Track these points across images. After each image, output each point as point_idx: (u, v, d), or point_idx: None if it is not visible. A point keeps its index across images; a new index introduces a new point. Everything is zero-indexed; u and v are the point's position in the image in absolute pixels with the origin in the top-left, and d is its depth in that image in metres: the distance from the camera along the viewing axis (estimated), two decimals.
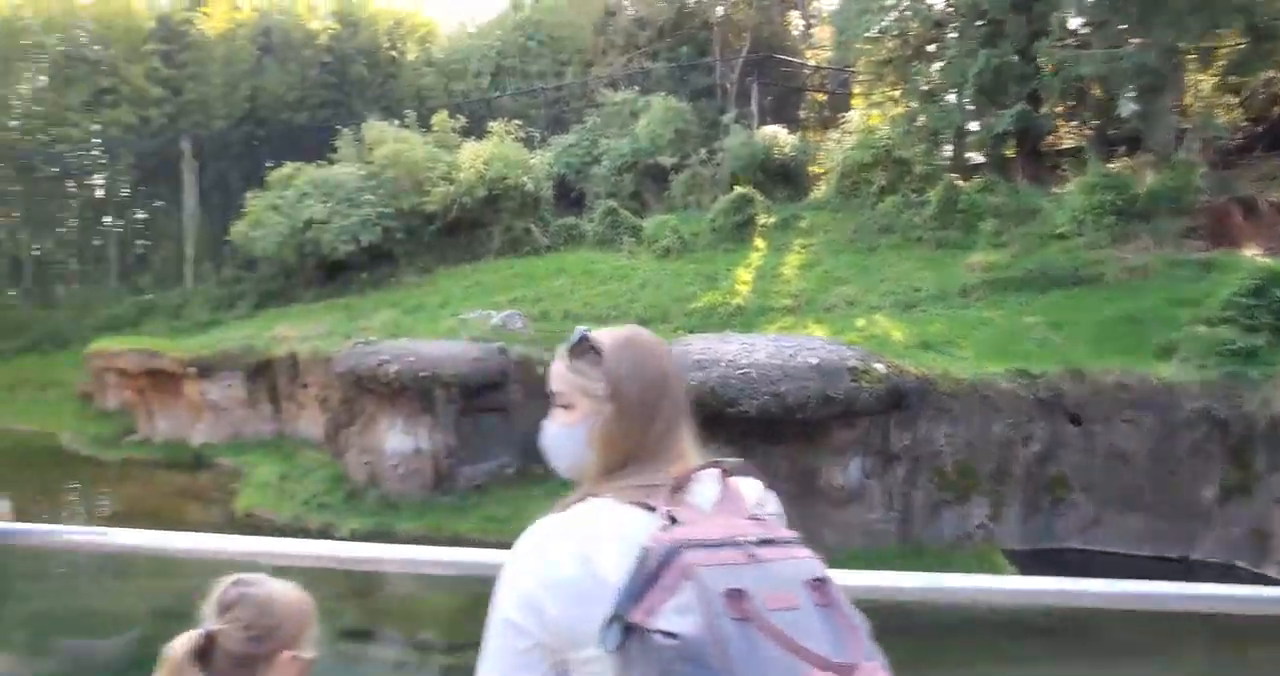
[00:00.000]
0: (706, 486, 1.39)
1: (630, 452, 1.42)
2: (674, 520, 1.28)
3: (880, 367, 10.08)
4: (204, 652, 1.53)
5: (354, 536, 11.68)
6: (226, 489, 14.40)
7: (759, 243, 17.71)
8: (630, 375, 1.43)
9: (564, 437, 1.48)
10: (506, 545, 1.39)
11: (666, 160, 20.24)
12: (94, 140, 27.58)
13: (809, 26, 26.09)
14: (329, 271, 20.96)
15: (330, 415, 14.69)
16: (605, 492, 1.40)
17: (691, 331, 13.53)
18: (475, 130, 22.08)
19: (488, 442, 13.24)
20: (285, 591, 1.63)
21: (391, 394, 12.98)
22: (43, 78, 28.38)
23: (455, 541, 11.72)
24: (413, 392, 12.88)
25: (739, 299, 15.18)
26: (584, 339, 1.47)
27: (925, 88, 18.06)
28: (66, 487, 15.94)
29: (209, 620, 1.56)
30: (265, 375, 16.43)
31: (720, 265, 16.80)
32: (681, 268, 16.92)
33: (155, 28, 26.92)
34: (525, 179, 20.24)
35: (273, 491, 13.62)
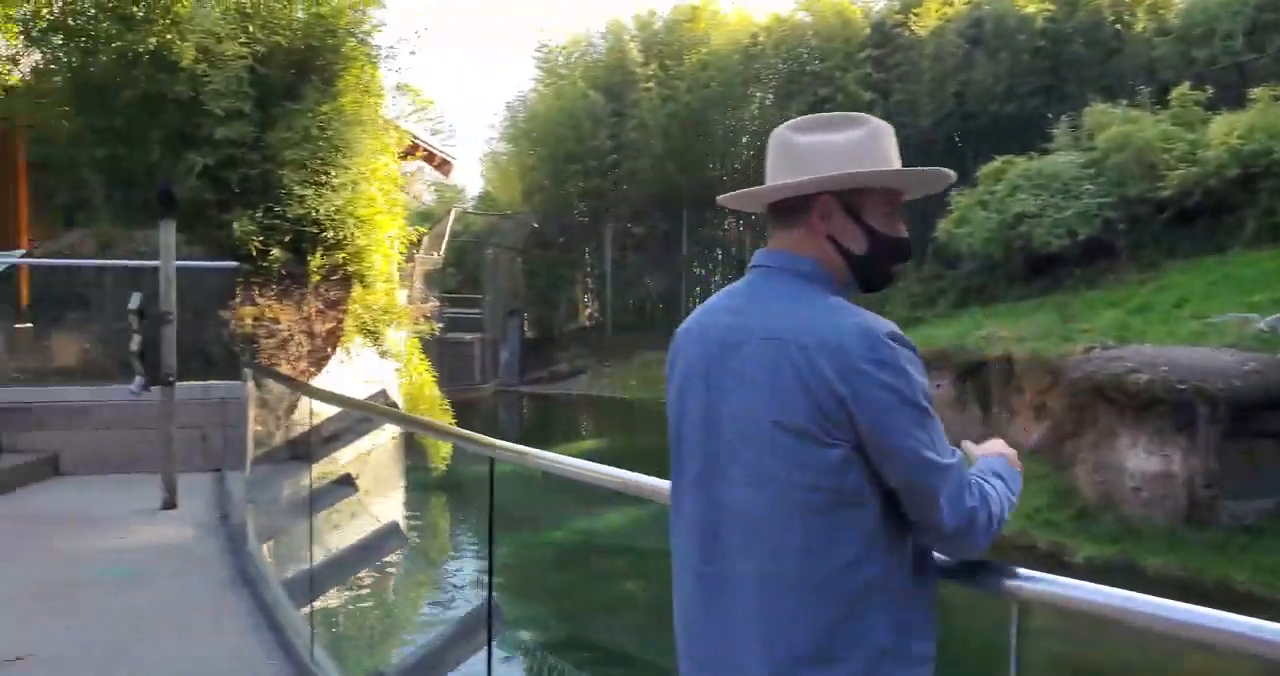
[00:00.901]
0: None
1: None
2: None
3: None
4: None
5: (1092, 565, 10.34)
6: None
7: None
8: None
9: None
10: None
11: None
12: None
13: None
14: (1035, 267, 19.60)
15: (1052, 423, 13.42)
16: None
17: None
18: (1223, 101, 18.73)
19: (1263, 474, 10.77)
20: None
21: (1136, 406, 11.28)
22: (769, 96, 31.70)
23: (1223, 590, 9.66)
24: (1164, 407, 11.02)
25: None
26: None
27: None
28: None
29: None
30: (976, 376, 15.74)
31: None
32: None
33: (870, 34, 28.19)
34: None
35: None
